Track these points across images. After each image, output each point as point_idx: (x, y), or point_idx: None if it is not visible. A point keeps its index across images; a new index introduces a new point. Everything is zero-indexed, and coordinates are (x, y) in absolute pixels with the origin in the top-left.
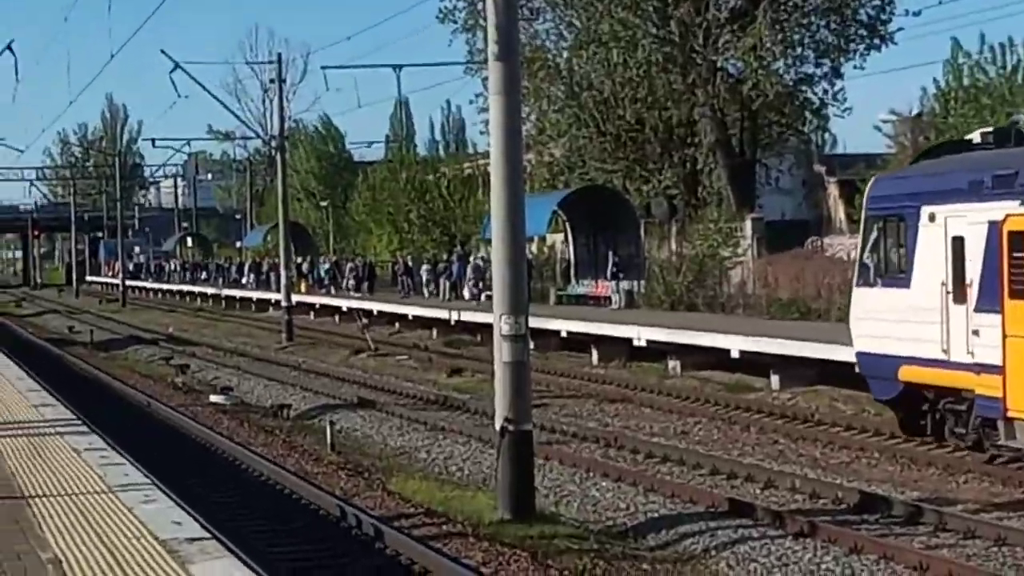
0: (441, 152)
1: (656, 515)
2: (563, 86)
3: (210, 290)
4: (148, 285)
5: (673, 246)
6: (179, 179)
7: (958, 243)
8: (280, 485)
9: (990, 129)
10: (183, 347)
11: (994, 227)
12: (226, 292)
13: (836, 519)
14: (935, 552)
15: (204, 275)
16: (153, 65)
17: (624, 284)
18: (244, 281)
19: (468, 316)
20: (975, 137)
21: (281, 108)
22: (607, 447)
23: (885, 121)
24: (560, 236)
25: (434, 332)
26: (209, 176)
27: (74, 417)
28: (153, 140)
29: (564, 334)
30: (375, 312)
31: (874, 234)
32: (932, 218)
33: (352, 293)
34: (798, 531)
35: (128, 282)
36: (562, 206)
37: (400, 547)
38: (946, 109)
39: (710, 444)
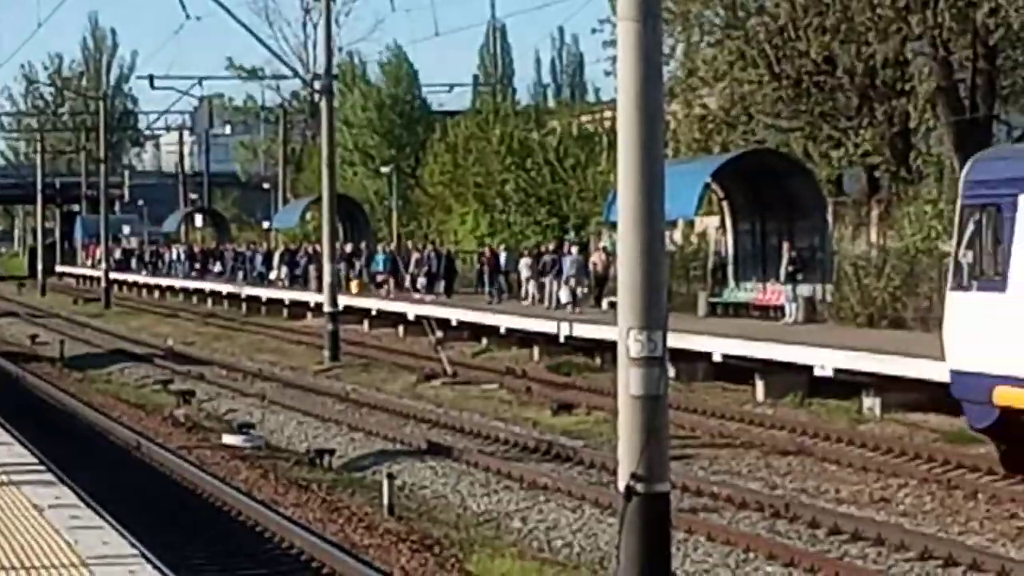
0: (550, 100)
1: None
2: (722, 10)
3: (226, 288)
4: (141, 280)
5: (873, 236)
6: (186, 133)
7: None
8: (317, 562)
9: None
10: (187, 367)
11: None
12: (248, 291)
13: None
14: None
15: (218, 267)
16: None
17: (803, 289)
18: (273, 276)
19: (584, 330)
20: None
21: (328, 35)
22: (775, 518)
23: None
24: (715, 220)
25: (535, 352)
26: (228, 130)
27: (35, 461)
28: (151, 78)
29: (718, 358)
30: (454, 322)
31: (971, 227)
32: None
33: (423, 295)
34: None
35: (114, 275)
36: (718, 178)
37: None
38: None
39: (920, 517)
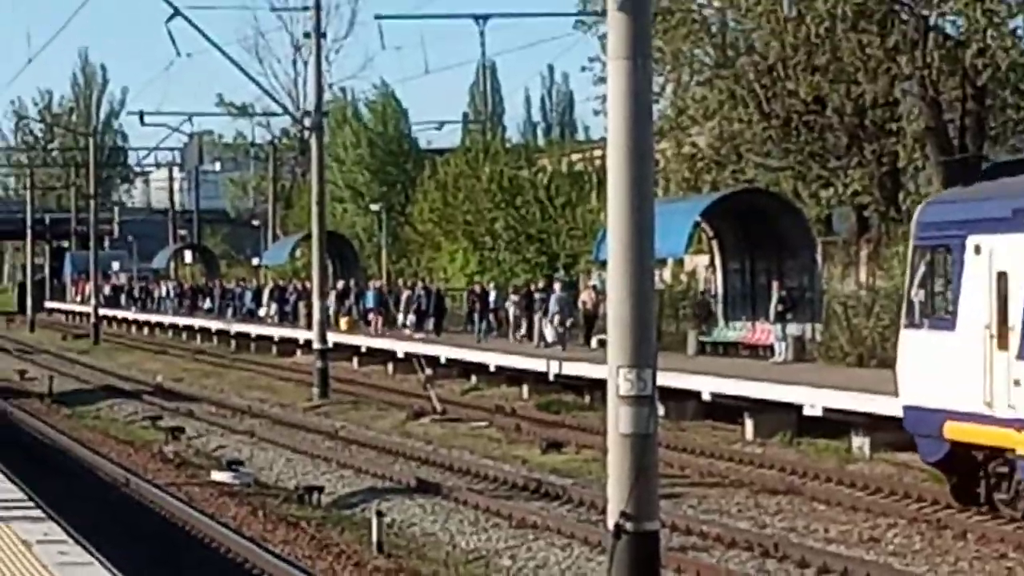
0: (540, 138)
1: None
2: (712, 49)
3: (215, 324)
4: (130, 316)
5: (863, 276)
6: (176, 170)
7: (1003, 280)
8: None
9: None
10: (176, 403)
11: None
12: (237, 328)
13: None
14: None
15: (208, 303)
16: (144, 11)
17: (793, 328)
18: (263, 313)
19: (573, 369)
20: None
21: (319, 73)
22: (764, 557)
23: None
24: (704, 259)
25: (525, 390)
26: (218, 166)
27: (24, 497)
28: (142, 115)
29: (707, 396)
30: (443, 360)
31: (922, 268)
32: (978, 250)
33: (412, 333)
34: None
35: (103, 311)
36: (708, 216)
37: None
38: None
39: (910, 556)
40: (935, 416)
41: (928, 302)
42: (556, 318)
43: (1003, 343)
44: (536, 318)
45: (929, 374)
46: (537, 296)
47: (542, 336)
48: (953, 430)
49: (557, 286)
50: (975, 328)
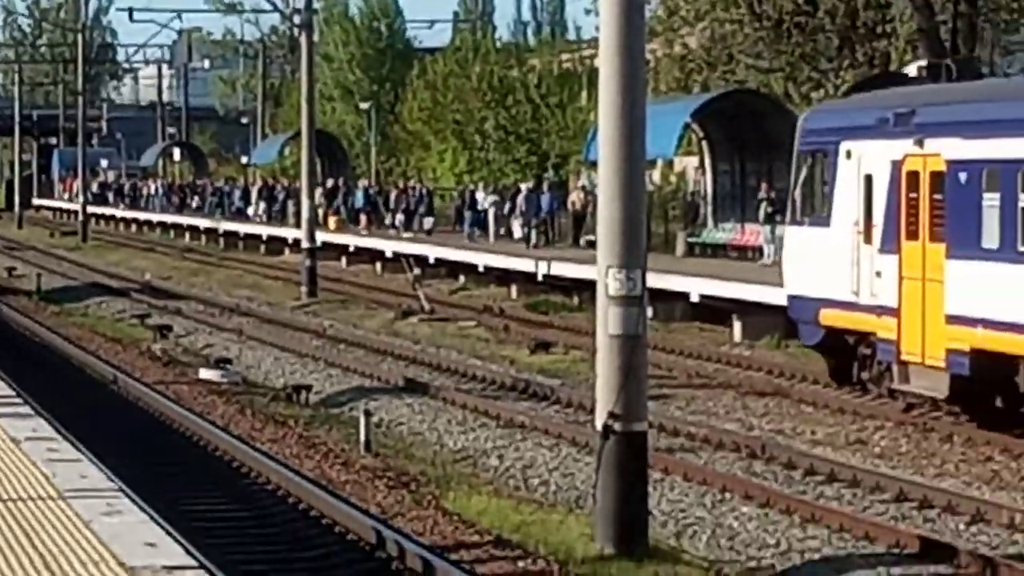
0: (531, 38)
1: (817, 555)
2: None
3: (204, 223)
4: (119, 214)
5: None
6: (165, 67)
7: (868, 182)
8: (294, 497)
9: (925, 63)
10: (164, 302)
11: (895, 166)
12: (226, 226)
13: None
14: None
15: (196, 202)
16: None
17: (782, 230)
18: (251, 212)
19: (562, 269)
20: (911, 70)
21: None
22: (751, 459)
23: None
24: (694, 160)
25: (513, 290)
26: (206, 64)
27: (12, 394)
28: (130, 11)
29: (695, 298)
30: (432, 260)
31: (804, 171)
32: (848, 155)
33: (401, 232)
34: None
35: (91, 208)
36: (698, 118)
37: None
38: None
39: (896, 459)
40: (812, 304)
41: (808, 201)
42: (522, 217)
43: (868, 238)
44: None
45: (808, 267)
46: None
47: (510, 233)
48: (827, 316)
49: (523, 186)
50: (846, 225)
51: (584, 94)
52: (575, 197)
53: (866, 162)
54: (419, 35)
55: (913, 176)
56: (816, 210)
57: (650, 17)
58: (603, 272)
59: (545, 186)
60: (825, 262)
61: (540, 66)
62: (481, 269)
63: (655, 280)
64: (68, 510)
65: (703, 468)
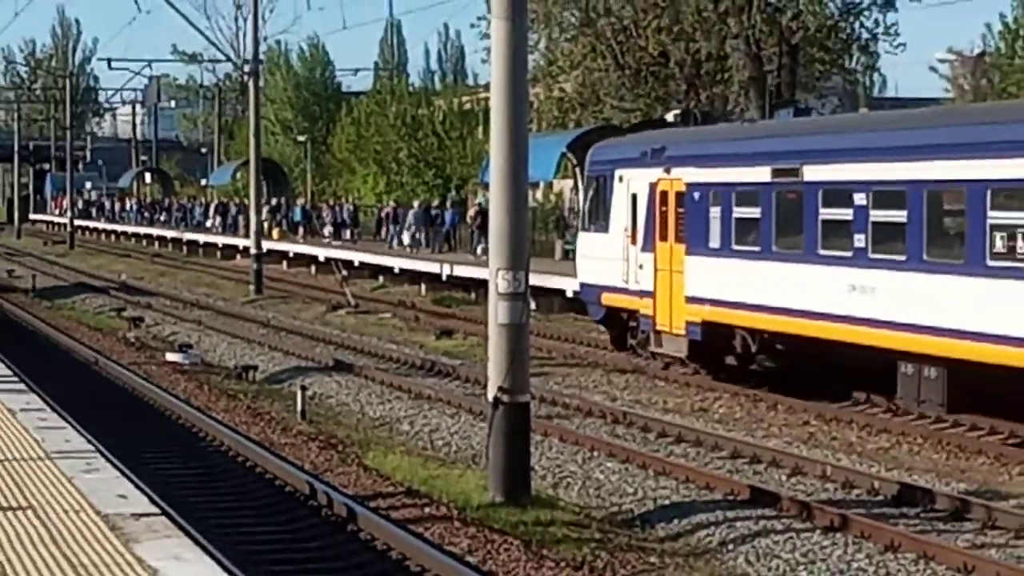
0: (437, 83)
1: (667, 502)
2: (577, 11)
3: (170, 233)
4: (100, 226)
5: None
6: (138, 106)
7: (634, 199)
8: (242, 457)
9: (679, 111)
10: (137, 297)
11: (651, 187)
12: (188, 236)
13: (871, 512)
14: (981, 552)
15: (164, 216)
16: None
17: None
18: (209, 224)
19: (462, 271)
20: (670, 117)
21: (256, 27)
22: (614, 424)
23: (942, 61)
24: (569, 182)
25: (423, 288)
26: (172, 104)
27: (10, 373)
28: (109, 61)
29: (570, 294)
30: (356, 263)
31: (591, 191)
32: (621, 179)
33: (331, 241)
34: (827, 525)
35: (77, 222)
36: (572, 148)
37: (375, 531)
38: (1013, 48)
39: (731, 424)
40: (597, 289)
41: (594, 214)
42: (412, 228)
43: (634, 240)
44: (396, 229)
45: (593, 262)
46: (389, 212)
47: (401, 241)
48: (607, 298)
49: (415, 203)
50: (619, 231)
51: (480, 129)
52: (473, 212)
53: (632, 184)
54: (346, 80)
55: (663, 195)
56: (599, 220)
57: (533, 66)
58: (494, 273)
59: (448, 203)
60: (605, 258)
61: (444, 106)
62: (397, 271)
63: (537, 279)
64: (54, 468)
65: (575, 432)
